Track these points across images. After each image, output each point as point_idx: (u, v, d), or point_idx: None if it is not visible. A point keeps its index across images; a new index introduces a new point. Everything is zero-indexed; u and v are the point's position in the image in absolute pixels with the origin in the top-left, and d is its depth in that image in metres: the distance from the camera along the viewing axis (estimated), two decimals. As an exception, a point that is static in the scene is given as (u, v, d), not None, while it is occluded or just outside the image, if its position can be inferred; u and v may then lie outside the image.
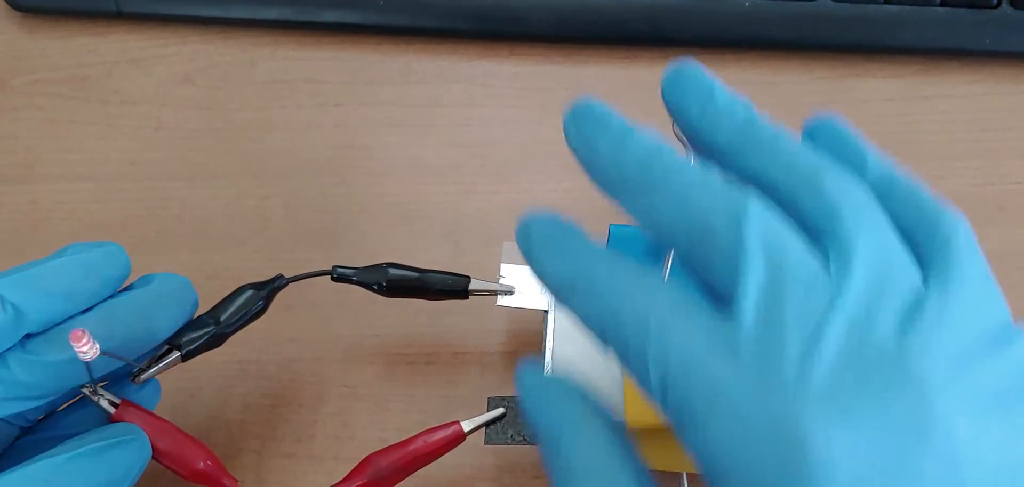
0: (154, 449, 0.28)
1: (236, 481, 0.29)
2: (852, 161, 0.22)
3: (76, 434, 0.26)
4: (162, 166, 0.39)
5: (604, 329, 0.20)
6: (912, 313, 0.18)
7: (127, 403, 0.28)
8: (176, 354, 0.29)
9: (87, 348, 0.24)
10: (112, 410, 0.27)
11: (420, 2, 0.41)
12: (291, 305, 0.36)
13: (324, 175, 0.39)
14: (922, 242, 0.20)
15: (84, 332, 0.24)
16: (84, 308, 0.27)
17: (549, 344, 0.31)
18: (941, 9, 0.41)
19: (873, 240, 0.19)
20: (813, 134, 0.23)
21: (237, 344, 0.35)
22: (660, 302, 0.19)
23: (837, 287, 0.18)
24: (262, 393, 0.35)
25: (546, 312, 0.32)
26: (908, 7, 0.41)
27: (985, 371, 0.18)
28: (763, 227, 0.19)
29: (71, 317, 0.26)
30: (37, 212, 0.38)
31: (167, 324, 0.28)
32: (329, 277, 0.32)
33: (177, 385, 0.34)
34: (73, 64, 0.41)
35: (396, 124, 0.40)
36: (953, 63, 0.42)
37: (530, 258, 0.23)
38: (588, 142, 0.23)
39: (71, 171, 0.39)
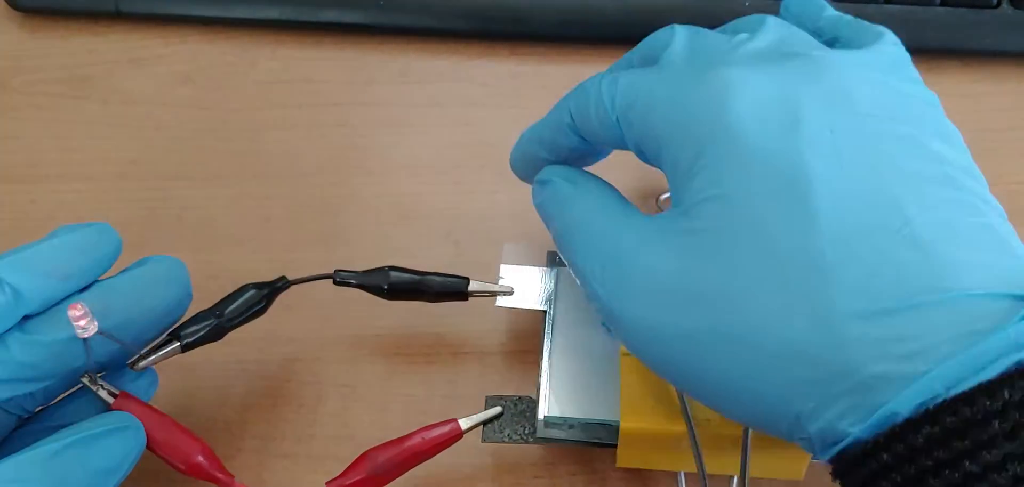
0: (151, 440, 0.28)
1: (231, 476, 0.29)
2: (813, 11, 0.28)
3: (73, 423, 0.27)
4: (162, 166, 0.39)
5: (579, 103, 0.27)
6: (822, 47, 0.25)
7: (125, 395, 0.28)
8: (176, 344, 0.29)
9: (85, 323, 0.25)
10: (111, 400, 0.28)
11: (420, 2, 0.41)
12: (291, 305, 0.36)
13: (324, 175, 0.39)
14: (858, 45, 0.25)
15: (82, 305, 0.25)
16: (80, 287, 0.27)
17: (548, 343, 0.31)
18: (941, 9, 0.41)
19: (783, 23, 0.26)
20: (787, 6, 0.30)
21: (237, 343, 0.35)
22: (615, 72, 0.26)
23: (752, 34, 0.25)
24: (262, 393, 0.35)
25: (545, 312, 0.32)
26: (908, 7, 0.41)
27: (891, 79, 0.24)
28: (688, 27, 0.26)
29: (69, 297, 0.27)
30: (38, 212, 0.38)
31: (163, 304, 0.29)
32: (331, 281, 0.32)
33: (177, 384, 0.34)
34: (73, 64, 0.41)
35: (396, 124, 0.40)
36: (953, 63, 0.42)
37: (522, 143, 0.31)
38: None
39: (71, 171, 0.39)
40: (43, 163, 0.39)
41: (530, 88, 0.41)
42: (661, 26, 0.41)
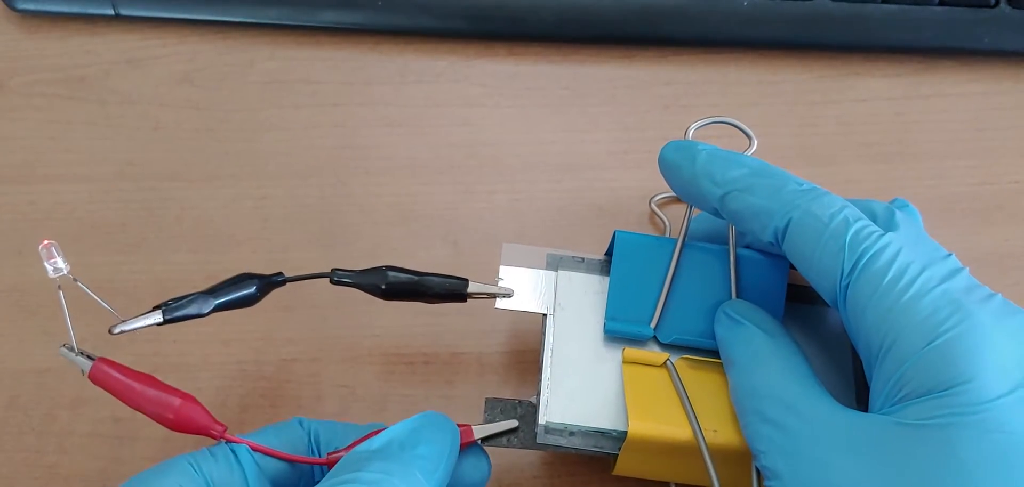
0: (134, 400, 0.28)
1: (224, 426, 0.28)
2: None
3: None
4: (161, 166, 0.39)
5: (761, 209, 0.28)
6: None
7: (103, 359, 0.28)
8: (157, 313, 0.29)
9: (59, 262, 0.26)
10: (88, 365, 0.28)
11: (418, 3, 0.41)
12: (289, 306, 0.36)
13: (322, 175, 0.39)
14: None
15: (50, 243, 0.26)
16: None
17: (548, 348, 0.31)
18: (939, 8, 0.41)
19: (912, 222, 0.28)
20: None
21: (235, 344, 0.35)
22: (794, 198, 0.27)
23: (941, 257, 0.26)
24: (261, 394, 0.35)
25: (545, 315, 0.31)
26: (906, 6, 0.41)
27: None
28: (856, 224, 0.26)
29: None
30: (36, 212, 0.38)
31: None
32: (328, 280, 0.31)
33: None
34: (71, 65, 0.41)
35: (394, 124, 0.40)
36: (951, 62, 0.42)
37: (693, 166, 0.29)
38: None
39: (70, 171, 0.39)
40: (41, 164, 0.39)
41: (528, 88, 0.41)
42: (658, 26, 0.42)
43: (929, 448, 0.23)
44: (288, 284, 0.31)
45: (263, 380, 0.35)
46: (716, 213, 0.29)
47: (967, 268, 0.26)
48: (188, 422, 0.28)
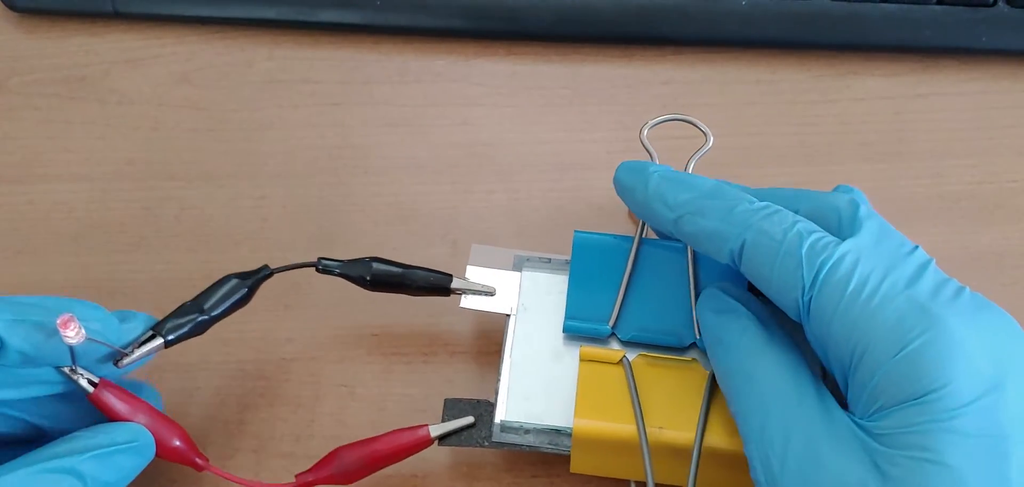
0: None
1: (206, 459, 0.30)
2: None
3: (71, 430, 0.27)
4: (159, 166, 0.39)
5: (714, 232, 0.27)
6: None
7: (106, 382, 0.28)
8: (159, 340, 0.29)
9: (73, 334, 0.25)
10: (91, 389, 0.28)
11: (417, 2, 0.41)
12: (289, 304, 0.36)
13: (321, 175, 0.39)
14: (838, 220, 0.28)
15: (72, 318, 0.25)
16: None
17: (508, 348, 0.31)
18: (938, 8, 0.41)
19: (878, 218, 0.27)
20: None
21: (234, 344, 0.35)
22: (747, 218, 0.27)
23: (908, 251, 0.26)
24: (260, 393, 0.35)
25: (508, 315, 0.32)
26: (905, 5, 0.41)
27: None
28: (811, 238, 0.26)
29: None
30: (35, 212, 0.38)
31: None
32: (314, 269, 0.32)
33: (175, 385, 0.34)
34: (70, 64, 0.41)
35: (393, 124, 0.40)
36: (950, 61, 0.42)
37: (646, 190, 0.29)
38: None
39: (69, 171, 0.39)
40: (40, 164, 0.39)
41: (527, 87, 0.41)
42: (657, 26, 0.42)
43: (914, 456, 0.23)
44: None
45: (262, 379, 0.35)
46: (673, 235, 0.29)
47: (934, 260, 0.26)
48: (172, 454, 0.29)
